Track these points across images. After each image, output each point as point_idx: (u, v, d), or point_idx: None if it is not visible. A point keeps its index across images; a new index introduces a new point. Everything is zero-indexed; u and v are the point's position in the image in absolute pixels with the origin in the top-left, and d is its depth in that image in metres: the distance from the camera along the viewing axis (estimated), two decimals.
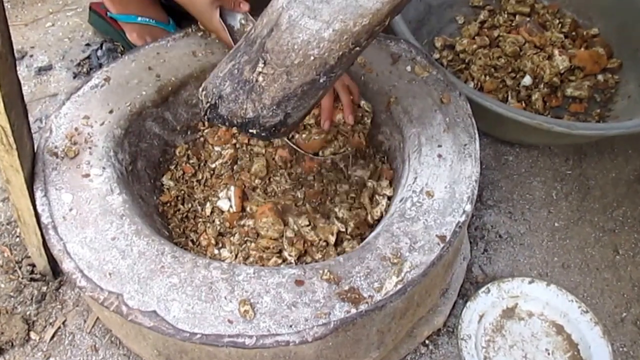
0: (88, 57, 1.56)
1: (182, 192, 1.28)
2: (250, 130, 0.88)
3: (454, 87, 1.22)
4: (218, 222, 1.24)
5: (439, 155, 1.11)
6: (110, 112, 1.16)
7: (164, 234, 1.18)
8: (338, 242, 1.18)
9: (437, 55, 1.66)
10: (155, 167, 1.27)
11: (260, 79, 0.83)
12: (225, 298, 0.93)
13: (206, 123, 1.26)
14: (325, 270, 0.96)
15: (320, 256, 1.16)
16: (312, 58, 0.80)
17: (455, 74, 1.59)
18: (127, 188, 1.11)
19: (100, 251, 0.98)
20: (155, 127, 1.23)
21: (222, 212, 1.25)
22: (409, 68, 1.25)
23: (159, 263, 0.97)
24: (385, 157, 1.27)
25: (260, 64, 0.83)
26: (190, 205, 1.28)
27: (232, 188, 1.24)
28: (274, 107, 0.85)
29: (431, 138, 1.14)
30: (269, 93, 0.84)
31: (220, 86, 0.87)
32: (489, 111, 1.34)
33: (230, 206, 1.24)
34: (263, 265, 1.18)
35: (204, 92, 0.89)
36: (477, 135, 1.13)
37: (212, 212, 1.26)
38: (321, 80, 0.82)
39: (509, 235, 1.32)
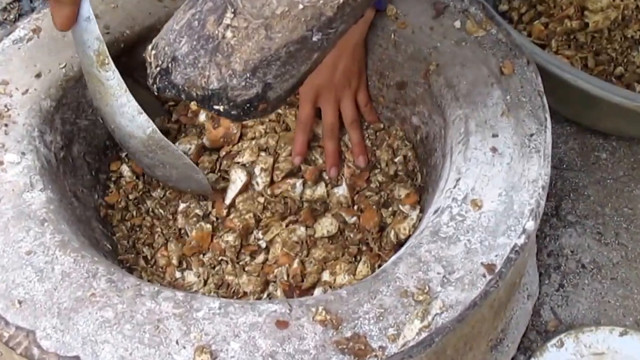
0: (17, 0, 1.57)
1: (138, 189, 1.30)
2: (216, 107, 0.86)
3: (520, 51, 1.20)
4: (194, 230, 1.25)
5: (493, 149, 1.10)
6: (38, 76, 1.15)
7: (105, 248, 1.18)
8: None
9: (505, 7, 1.64)
10: (99, 154, 1.27)
11: (229, 34, 0.82)
12: (177, 343, 0.92)
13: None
14: (320, 308, 0.94)
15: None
16: (300, 7, 0.78)
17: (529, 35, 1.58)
18: (55, 182, 1.10)
19: (8, 270, 0.98)
20: None
21: (202, 216, 1.26)
22: (458, 24, 1.24)
23: (89, 289, 0.96)
24: (415, 159, 1.30)
25: (229, 14, 0.81)
26: (146, 209, 1.29)
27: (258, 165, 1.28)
28: (248, 75, 0.83)
29: (484, 124, 1.13)
30: (241, 55, 0.83)
31: (174, 44, 0.86)
32: (572, 88, 1.32)
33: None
34: (241, 297, 1.19)
35: (153, 52, 0.88)
36: (549, 121, 1.12)
37: (186, 215, 1.27)
38: (314, 39, 0.80)
39: (596, 265, 1.32)
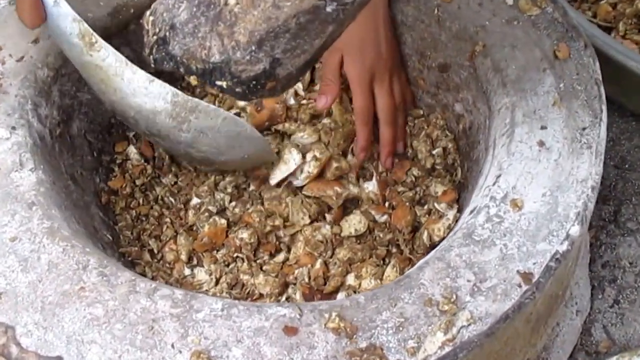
0: None
1: (146, 174, 1.30)
2: (218, 83, 0.86)
3: (577, 33, 1.18)
4: (207, 226, 1.25)
5: (540, 143, 1.08)
6: (35, 41, 1.16)
7: (104, 238, 1.19)
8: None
9: None
10: (103, 133, 1.28)
11: (232, 1, 0.82)
12: (173, 346, 0.91)
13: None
14: (333, 314, 0.93)
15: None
16: None
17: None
18: (49, 162, 1.11)
19: None
20: None
21: (215, 212, 1.26)
22: (510, 0, 1.23)
23: (78, 282, 0.96)
24: (456, 150, 1.29)
25: None
26: (155, 197, 1.30)
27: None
28: (254, 48, 0.83)
29: (532, 114, 1.11)
30: (246, 25, 0.82)
31: (173, 9, 0.86)
32: (636, 76, 1.30)
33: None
34: (256, 300, 1.19)
35: (151, 18, 0.88)
36: (604, 113, 1.10)
37: (197, 210, 1.28)
38: (328, 9, 0.79)
39: None
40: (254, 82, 0.85)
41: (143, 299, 0.95)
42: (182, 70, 0.87)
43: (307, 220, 1.24)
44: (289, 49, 0.83)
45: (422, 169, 1.28)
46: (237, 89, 0.86)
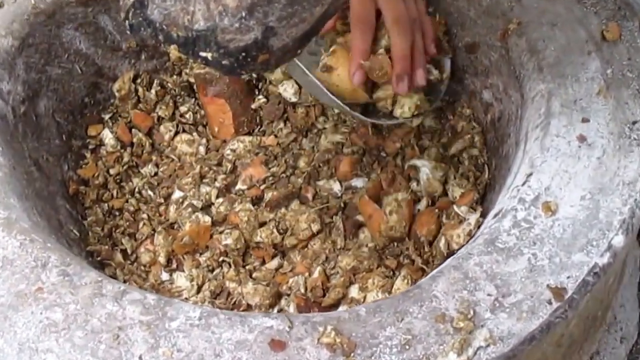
0: None
1: (122, 162, 1.33)
2: (202, 54, 0.85)
3: (631, 11, 1.18)
4: (189, 223, 1.26)
5: (581, 138, 1.08)
6: None
7: (70, 234, 1.19)
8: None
9: None
10: (74, 114, 1.30)
11: None
12: (141, 359, 0.91)
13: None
14: (329, 328, 0.93)
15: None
16: None
17: None
18: (9, 144, 1.12)
19: None
20: (80, 40, 1.26)
21: (200, 208, 1.28)
22: None
23: (35, 282, 0.97)
24: (483, 146, 1.29)
25: None
26: (131, 189, 1.32)
27: None
28: (244, 14, 0.83)
29: (572, 104, 1.11)
30: None
31: None
32: None
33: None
34: (243, 311, 1.17)
35: None
36: None
37: (179, 205, 1.29)
38: None
39: None
40: (243, 54, 0.86)
41: (109, 303, 0.95)
42: (161, 38, 0.87)
43: (310, 233, 1.26)
44: (285, 17, 0.83)
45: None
46: (224, 62, 0.86)
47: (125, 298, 0.96)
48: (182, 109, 1.39)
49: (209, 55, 0.86)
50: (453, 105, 1.33)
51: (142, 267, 1.24)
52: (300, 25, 0.84)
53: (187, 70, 1.40)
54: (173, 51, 0.87)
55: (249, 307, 1.19)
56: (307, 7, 0.82)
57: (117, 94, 1.35)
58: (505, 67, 1.20)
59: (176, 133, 1.37)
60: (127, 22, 0.89)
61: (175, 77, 1.41)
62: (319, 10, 0.83)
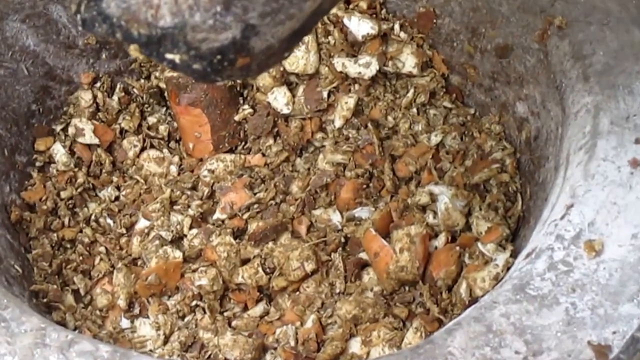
0: None
1: (76, 183, 1.33)
2: (169, 56, 0.84)
3: None
4: (155, 259, 1.27)
5: (634, 163, 1.07)
6: None
7: (10, 271, 1.19)
8: None
9: None
10: (19, 124, 1.30)
11: None
12: None
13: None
14: None
15: None
16: None
17: None
18: None
19: None
20: (27, 34, 1.26)
21: (169, 241, 1.29)
22: None
23: None
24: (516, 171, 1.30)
25: None
26: (86, 216, 1.32)
27: None
28: (219, 9, 0.81)
29: (623, 122, 1.10)
30: None
31: None
32: None
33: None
34: None
35: None
36: None
37: (144, 237, 1.30)
38: None
39: None
40: (218, 57, 0.85)
41: (53, 355, 0.95)
42: (119, 36, 0.85)
43: (303, 273, 1.26)
44: (269, 13, 0.83)
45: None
46: (196, 66, 0.85)
47: (73, 349, 0.95)
48: (151, 120, 1.40)
49: (176, 58, 0.84)
50: (480, 120, 1.34)
51: (98, 312, 1.23)
52: (287, 23, 0.84)
53: (157, 74, 1.40)
54: (134, 52, 0.87)
55: None
56: (296, 1, 0.82)
57: (76, 101, 1.36)
58: (543, 74, 1.20)
59: (142, 149, 1.37)
60: (78, 16, 0.88)
61: (142, 81, 1.42)
62: (310, 5, 0.82)
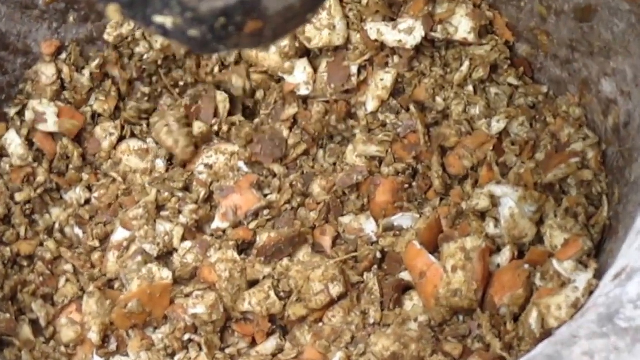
0: None
1: (34, 183, 1.32)
2: (159, 19, 0.82)
3: None
4: (137, 281, 1.25)
5: None
6: None
7: None
8: None
9: None
10: None
11: None
12: None
13: None
14: None
15: None
16: None
17: None
18: None
19: None
20: None
21: (155, 257, 1.27)
22: None
23: None
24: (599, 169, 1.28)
25: None
26: (47, 225, 1.31)
27: None
28: None
29: None
30: None
31: None
32: None
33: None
34: None
35: None
36: None
37: (123, 251, 1.29)
38: None
39: None
40: (222, 21, 0.84)
41: None
42: None
43: (328, 298, 1.24)
44: None
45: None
46: (193, 32, 0.84)
47: None
48: (131, 102, 1.39)
49: (168, 21, 0.83)
50: (555, 102, 1.33)
51: (63, 348, 1.23)
52: None
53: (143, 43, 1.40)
54: (113, 14, 0.85)
55: None
56: None
57: (34, 77, 1.35)
58: (636, 43, 1.18)
59: (120, 139, 1.37)
60: None
61: (122, 50, 1.41)
62: None
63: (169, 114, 1.36)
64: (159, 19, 0.83)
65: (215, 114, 1.38)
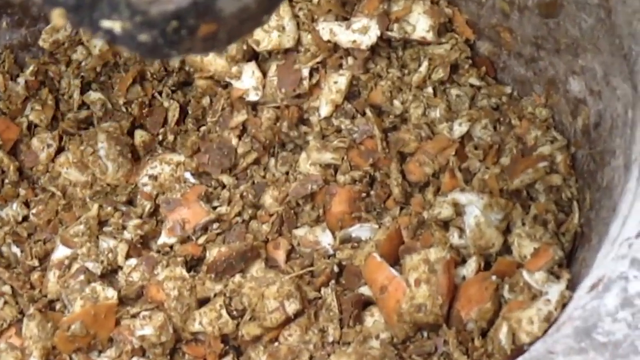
0: None
1: None
2: (106, 24, 0.80)
3: None
4: (80, 301, 1.22)
5: None
6: None
7: None
8: None
9: None
10: None
11: None
12: None
13: None
14: None
15: None
16: None
17: None
18: None
19: None
20: None
21: (106, 272, 1.25)
22: None
23: None
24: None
25: None
26: None
27: None
28: None
29: None
30: None
31: None
32: None
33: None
34: None
35: None
36: None
37: (64, 270, 1.26)
38: None
39: None
40: (174, 25, 0.81)
41: None
42: None
43: (284, 316, 1.21)
44: None
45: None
46: (143, 37, 0.82)
47: None
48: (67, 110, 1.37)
49: (116, 26, 0.80)
50: (520, 103, 1.32)
51: None
52: None
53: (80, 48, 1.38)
54: (58, 19, 0.81)
55: None
56: None
57: None
58: (605, 39, 1.17)
59: (59, 150, 1.34)
60: None
61: (59, 56, 1.39)
62: None
63: (101, 131, 1.35)
64: (106, 23, 0.82)
65: (164, 123, 1.37)
